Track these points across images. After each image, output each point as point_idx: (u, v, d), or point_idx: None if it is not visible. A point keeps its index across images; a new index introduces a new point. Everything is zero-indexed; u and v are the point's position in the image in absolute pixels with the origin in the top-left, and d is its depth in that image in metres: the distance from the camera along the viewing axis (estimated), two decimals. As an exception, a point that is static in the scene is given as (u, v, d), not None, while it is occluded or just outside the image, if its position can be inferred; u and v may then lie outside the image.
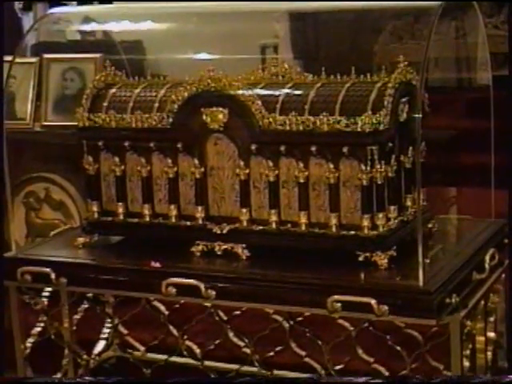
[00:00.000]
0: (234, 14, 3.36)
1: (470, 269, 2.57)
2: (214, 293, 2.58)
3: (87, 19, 3.95)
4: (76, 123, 2.96)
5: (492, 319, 2.83)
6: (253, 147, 2.68)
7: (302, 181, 2.63)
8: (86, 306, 3.32)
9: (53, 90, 4.23)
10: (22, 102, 4.23)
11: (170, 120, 2.78)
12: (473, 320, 2.57)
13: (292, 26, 6.98)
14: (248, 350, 3.04)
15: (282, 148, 2.63)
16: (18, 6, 10.57)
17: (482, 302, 2.70)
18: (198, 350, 3.28)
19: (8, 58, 3.61)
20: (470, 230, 2.93)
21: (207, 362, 3.23)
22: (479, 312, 2.68)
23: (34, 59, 4.32)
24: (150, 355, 3.38)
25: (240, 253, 2.71)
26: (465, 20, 6.51)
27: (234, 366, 3.17)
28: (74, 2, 10.24)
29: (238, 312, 3.14)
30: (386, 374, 3.02)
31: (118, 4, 6.83)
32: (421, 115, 2.40)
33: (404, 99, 2.63)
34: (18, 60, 3.33)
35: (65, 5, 9.78)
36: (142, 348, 3.42)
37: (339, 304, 2.41)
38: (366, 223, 2.56)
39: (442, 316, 2.36)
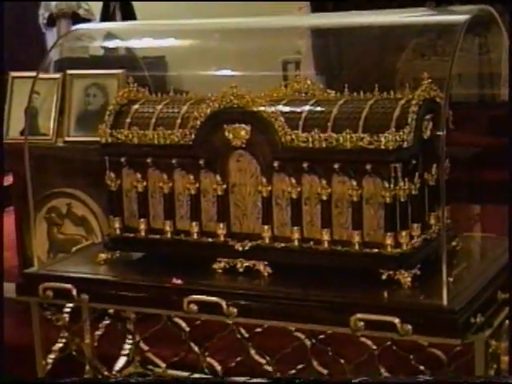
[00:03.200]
0: (256, 31, 3.36)
1: (494, 288, 2.55)
2: (235, 310, 2.56)
3: (110, 36, 3.96)
4: (98, 139, 2.96)
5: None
6: (275, 164, 2.67)
7: (324, 198, 2.61)
8: (108, 322, 3.31)
9: (76, 105, 4.24)
10: (45, 117, 4.25)
11: (193, 136, 2.77)
12: (498, 340, 2.53)
13: (314, 43, 6.98)
14: (269, 368, 3.02)
15: (305, 165, 2.62)
16: (42, 21, 10.67)
17: (507, 322, 2.67)
18: (219, 367, 3.26)
19: (32, 73, 3.63)
20: (494, 248, 2.90)
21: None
22: (504, 331, 2.65)
23: (57, 75, 4.33)
24: (171, 372, 3.37)
25: (262, 270, 2.70)
26: (488, 36, 6.49)
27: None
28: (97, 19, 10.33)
29: (259, 329, 3.12)
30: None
31: (140, 21, 6.87)
32: (445, 133, 2.38)
33: (428, 116, 2.62)
34: (41, 76, 3.34)
35: (88, 21, 9.87)
36: (163, 364, 3.41)
37: (362, 322, 2.39)
38: (389, 241, 2.54)
39: (467, 335, 2.34)
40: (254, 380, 2.41)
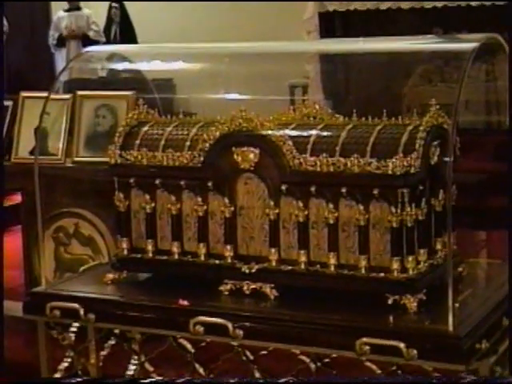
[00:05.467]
0: (264, 55, 3.39)
1: (500, 314, 2.55)
2: (241, 332, 2.57)
3: (120, 58, 4.00)
4: (107, 160, 2.98)
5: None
6: (283, 187, 2.68)
7: (331, 222, 2.62)
8: (113, 342, 3.31)
9: (85, 126, 4.27)
10: (55, 137, 4.28)
11: (201, 159, 2.79)
12: (503, 366, 2.54)
13: (323, 68, 7.02)
14: (274, 391, 3.02)
15: (313, 189, 2.64)
16: (52, 42, 10.75)
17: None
18: (223, 390, 3.26)
19: (42, 94, 3.67)
20: (499, 274, 2.90)
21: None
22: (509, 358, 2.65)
23: (67, 96, 4.37)
24: (175, 393, 3.36)
25: (268, 293, 2.71)
26: (495, 63, 6.52)
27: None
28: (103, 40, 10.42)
29: (264, 352, 3.12)
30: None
31: (149, 44, 6.92)
32: (452, 159, 2.40)
33: (435, 142, 2.63)
34: (51, 96, 3.37)
35: (98, 43, 9.94)
36: (168, 386, 3.40)
37: (368, 347, 2.40)
38: (395, 266, 2.55)
39: (472, 361, 2.34)
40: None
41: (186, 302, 2.71)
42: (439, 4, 6.96)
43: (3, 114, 4.47)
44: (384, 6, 7.10)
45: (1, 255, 4.00)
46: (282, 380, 3.03)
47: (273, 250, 2.72)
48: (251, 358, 3.09)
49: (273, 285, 2.70)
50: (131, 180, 2.92)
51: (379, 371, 2.86)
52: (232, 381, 2.32)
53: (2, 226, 4.07)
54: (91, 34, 10.57)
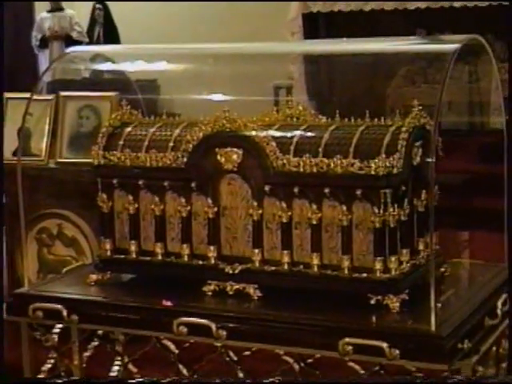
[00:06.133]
0: (248, 56, 3.40)
1: (482, 314, 2.57)
2: (224, 333, 2.58)
3: (103, 58, 3.99)
4: (90, 161, 2.98)
5: (504, 365, 2.80)
6: (266, 188, 2.69)
7: (314, 222, 2.63)
8: (96, 343, 3.31)
9: (68, 127, 4.26)
10: (38, 138, 4.27)
11: (185, 159, 2.79)
12: (485, 366, 2.55)
13: (307, 69, 7.04)
14: (257, 392, 3.02)
15: (296, 189, 2.64)
16: (35, 43, 10.71)
17: (494, 348, 2.69)
18: (207, 390, 3.26)
19: (25, 95, 3.65)
20: (482, 274, 2.92)
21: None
22: (491, 358, 2.67)
23: (50, 97, 4.36)
24: (159, 394, 3.36)
25: (252, 293, 2.71)
26: (478, 65, 6.55)
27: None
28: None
29: (248, 352, 3.13)
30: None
31: (133, 45, 6.91)
32: (434, 159, 2.41)
33: (418, 143, 2.65)
34: (34, 97, 3.36)
35: (81, 44, 9.91)
36: (151, 387, 3.40)
37: (350, 347, 2.41)
38: (378, 266, 2.56)
39: (454, 361, 2.36)
40: None
41: (169, 303, 2.70)
42: (422, 5, 6.99)
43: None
44: (367, 7, 7.12)
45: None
46: (267, 380, 3.04)
47: (256, 251, 2.73)
48: (235, 358, 3.09)
49: (256, 285, 2.71)
50: (114, 181, 2.92)
51: (362, 371, 2.87)
52: (217, 381, 2.31)
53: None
54: (74, 34, 10.53)
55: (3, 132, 4.27)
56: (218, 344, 2.84)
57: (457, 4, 6.92)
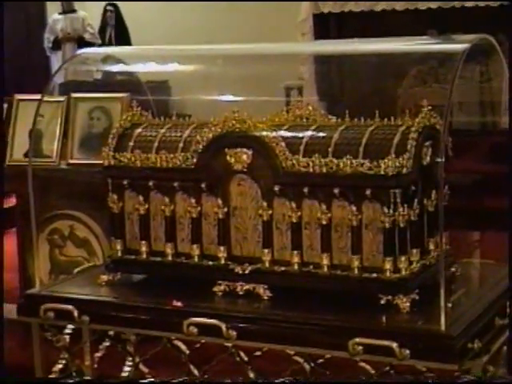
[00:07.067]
0: (259, 57, 3.40)
1: (492, 314, 2.56)
2: (235, 333, 2.58)
3: (114, 60, 4.00)
4: (101, 161, 2.99)
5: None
6: (276, 188, 2.69)
7: (324, 222, 2.63)
8: (108, 343, 3.32)
9: (79, 128, 4.27)
10: (49, 139, 4.28)
11: (195, 160, 2.80)
12: (495, 365, 2.55)
13: (317, 69, 7.04)
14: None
15: (305, 190, 2.64)
16: (47, 44, 10.75)
17: (505, 348, 2.68)
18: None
19: (36, 96, 3.67)
20: (492, 274, 2.91)
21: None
22: (502, 357, 2.66)
23: (61, 98, 4.37)
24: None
25: (262, 293, 2.71)
26: (489, 64, 6.54)
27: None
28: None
29: (258, 353, 3.13)
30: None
31: (145, 46, 6.92)
32: (444, 159, 2.40)
33: (427, 143, 2.64)
34: (46, 99, 3.37)
35: (93, 45, 9.95)
36: (162, 387, 3.41)
37: (361, 347, 2.41)
38: (388, 266, 2.56)
39: (464, 361, 2.35)
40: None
41: (179, 303, 2.71)
42: (433, 5, 6.98)
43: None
44: (378, 7, 7.12)
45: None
46: (278, 380, 3.04)
47: (266, 251, 2.73)
48: (245, 358, 3.09)
49: (266, 285, 2.71)
50: (125, 182, 2.92)
51: (373, 371, 2.87)
52: (228, 381, 2.32)
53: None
54: (87, 36, 10.57)
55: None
56: (229, 344, 2.85)
57: (468, 4, 6.90)
